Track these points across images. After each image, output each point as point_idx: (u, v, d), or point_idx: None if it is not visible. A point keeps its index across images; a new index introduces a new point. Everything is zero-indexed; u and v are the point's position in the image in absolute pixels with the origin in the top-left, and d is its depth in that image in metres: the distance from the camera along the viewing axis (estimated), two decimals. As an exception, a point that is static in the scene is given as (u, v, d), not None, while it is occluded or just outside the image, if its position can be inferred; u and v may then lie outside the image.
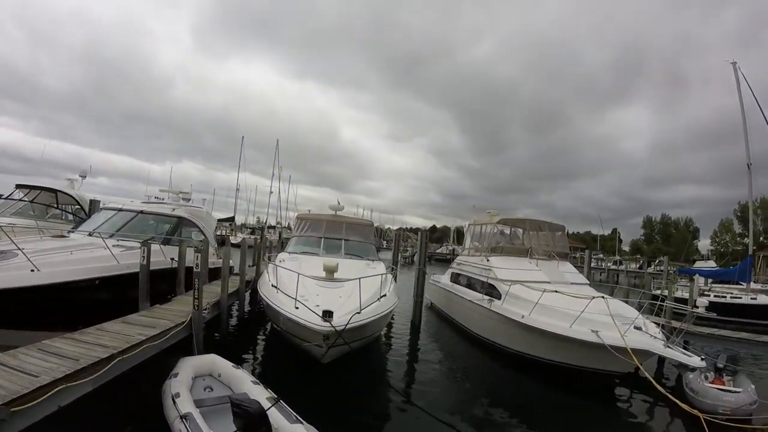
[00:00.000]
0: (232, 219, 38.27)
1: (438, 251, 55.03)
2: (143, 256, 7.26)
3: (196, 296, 6.44)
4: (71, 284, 6.47)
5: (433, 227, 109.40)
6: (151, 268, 7.58)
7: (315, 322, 5.57)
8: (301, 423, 4.16)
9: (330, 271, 7.62)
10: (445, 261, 38.84)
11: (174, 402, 4.36)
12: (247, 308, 10.93)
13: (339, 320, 5.61)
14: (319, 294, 6.64)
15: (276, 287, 6.95)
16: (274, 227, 44.67)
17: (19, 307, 5.79)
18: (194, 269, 6.78)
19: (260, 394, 4.68)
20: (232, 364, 5.75)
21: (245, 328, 10.30)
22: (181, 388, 4.71)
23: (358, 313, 5.99)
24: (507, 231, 13.49)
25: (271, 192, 47.82)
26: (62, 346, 4.72)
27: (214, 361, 5.75)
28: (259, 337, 9.92)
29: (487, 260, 11.27)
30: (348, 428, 5.55)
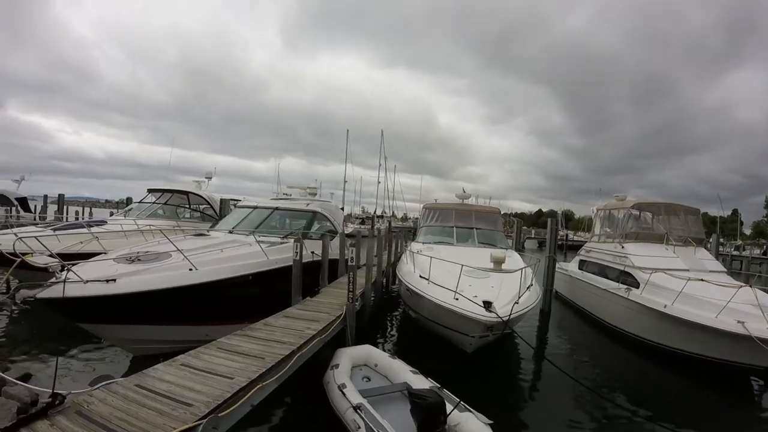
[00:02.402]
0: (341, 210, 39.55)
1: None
2: (296, 252, 7.28)
3: (351, 289, 6.39)
4: (228, 281, 6.59)
5: (539, 211, 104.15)
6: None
7: (480, 313, 5.54)
8: (471, 411, 4.12)
9: (498, 262, 7.59)
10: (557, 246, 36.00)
11: (343, 392, 4.39)
12: (379, 297, 10.74)
13: (501, 310, 5.60)
14: (471, 285, 6.51)
15: (426, 278, 6.92)
16: (381, 216, 45.31)
17: (182, 305, 5.99)
18: (348, 262, 6.79)
19: (421, 384, 4.69)
20: (388, 353, 5.84)
21: (379, 316, 10.15)
22: (345, 379, 4.75)
23: (517, 302, 5.99)
24: (638, 215, 12.50)
25: (379, 182, 47.91)
26: (238, 343, 4.72)
27: (369, 351, 5.86)
28: (394, 324, 9.91)
29: (622, 247, 10.77)
30: (510, 417, 5.44)
